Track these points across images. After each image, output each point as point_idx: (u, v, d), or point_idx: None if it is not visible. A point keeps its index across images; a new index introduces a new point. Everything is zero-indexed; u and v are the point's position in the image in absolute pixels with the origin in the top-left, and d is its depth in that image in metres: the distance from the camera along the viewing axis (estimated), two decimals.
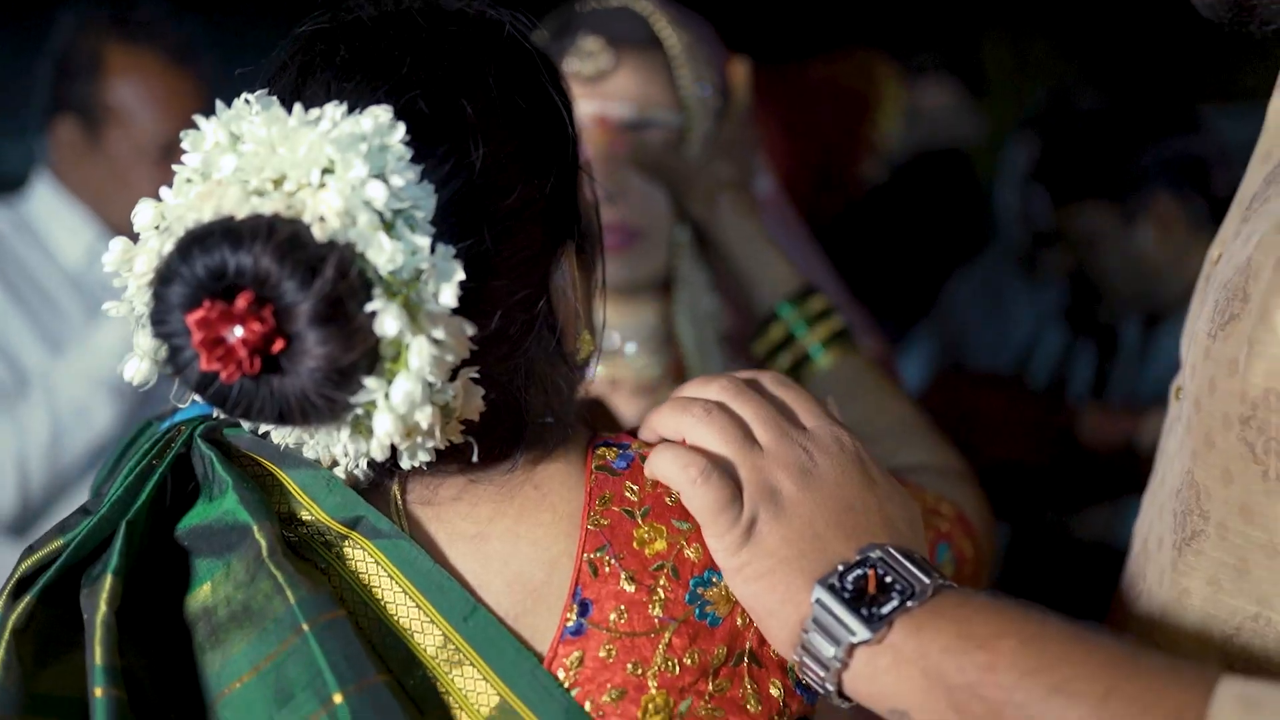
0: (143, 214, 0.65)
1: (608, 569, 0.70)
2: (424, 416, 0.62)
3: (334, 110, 0.63)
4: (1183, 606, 0.78)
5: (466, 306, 0.65)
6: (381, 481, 0.72)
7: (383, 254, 0.60)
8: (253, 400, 0.61)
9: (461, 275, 0.64)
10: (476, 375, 0.66)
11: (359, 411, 0.63)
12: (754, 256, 1.25)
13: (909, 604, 0.66)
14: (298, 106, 0.63)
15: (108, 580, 0.65)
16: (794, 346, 1.22)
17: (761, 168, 1.38)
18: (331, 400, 0.60)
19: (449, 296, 0.63)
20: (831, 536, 0.70)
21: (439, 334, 0.62)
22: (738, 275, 1.27)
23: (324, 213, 0.60)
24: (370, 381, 0.61)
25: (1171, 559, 0.80)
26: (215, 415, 0.74)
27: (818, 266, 1.44)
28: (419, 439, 0.65)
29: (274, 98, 0.65)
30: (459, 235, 0.65)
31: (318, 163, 0.61)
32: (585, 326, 0.80)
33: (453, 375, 0.65)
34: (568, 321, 0.76)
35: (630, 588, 0.70)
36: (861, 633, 0.66)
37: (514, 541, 0.71)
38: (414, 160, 0.64)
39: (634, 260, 1.31)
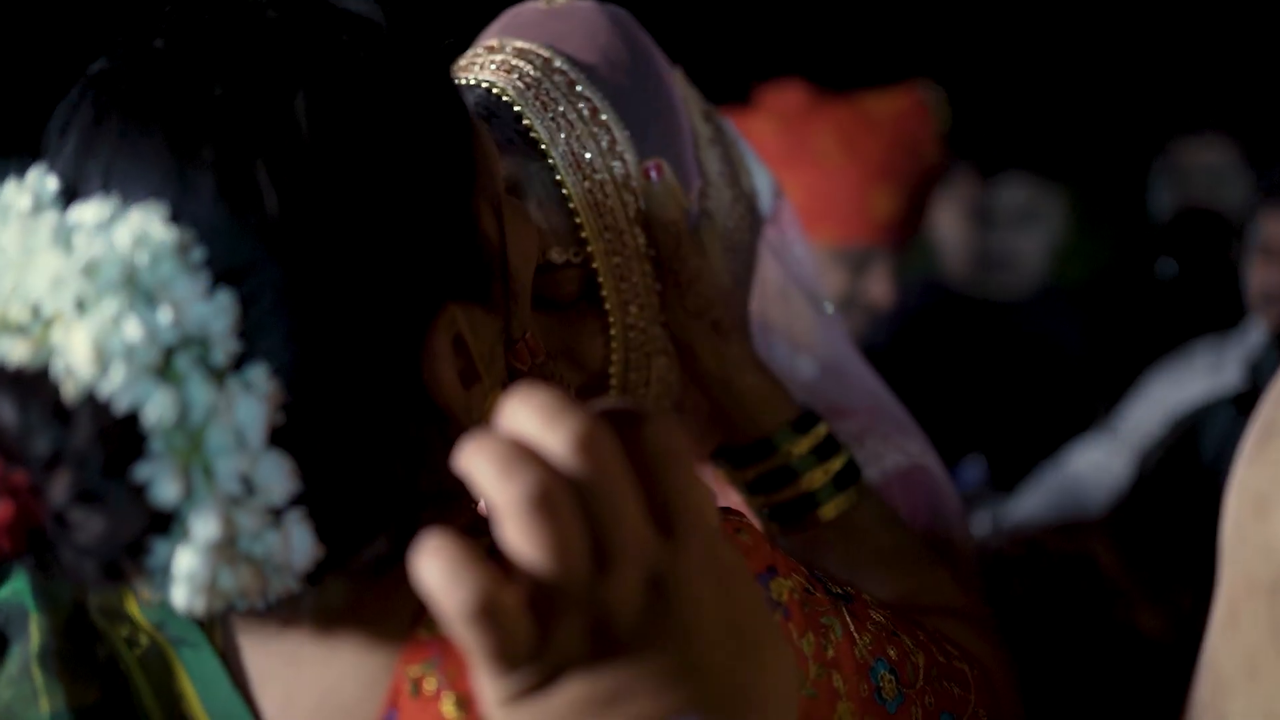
0: None
1: (430, 689, 0.57)
2: (230, 581, 0.53)
3: (96, 213, 0.51)
4: None
5: (293, 433, 0.53)
6: None
7: (151, 405, 0.49)
8: (43, 569, 0.52)
9: (278, 399, 0.53)
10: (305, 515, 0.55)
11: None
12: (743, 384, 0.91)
13: None
14: (50, 214, 0.51)
15: None
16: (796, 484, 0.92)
17: (772, 182, 1.10)
18: (117, 574, 0.51)
19: (255, 433, 0.52)
20: (648, 697, 0.46)
21: (237, 486, 0.51)
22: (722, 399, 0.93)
23: (72, 362, 0.49)
24: (162, 545, 0.52)
25: None
26: None
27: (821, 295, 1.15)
28: (237, 598, 0.55)
29: (46, 180, 0.53)
30: (276, 346, 0.53)
31: (68, 296, 0.49)
32: (496, 384, 0.67)
33: (278, 515, 0.54)
34: (452, 400, 0.62)
35: (456, 714, 0.56)
36: None
37: (333, 648, 0.60)
38: (207, 263, 0.52)
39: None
